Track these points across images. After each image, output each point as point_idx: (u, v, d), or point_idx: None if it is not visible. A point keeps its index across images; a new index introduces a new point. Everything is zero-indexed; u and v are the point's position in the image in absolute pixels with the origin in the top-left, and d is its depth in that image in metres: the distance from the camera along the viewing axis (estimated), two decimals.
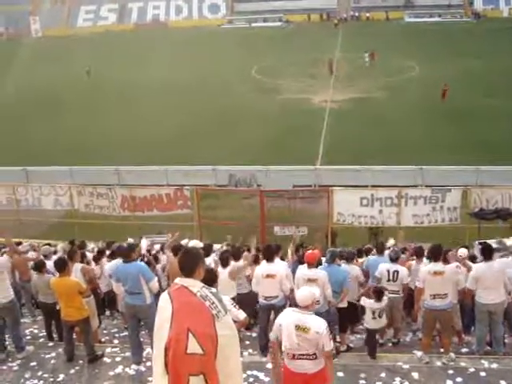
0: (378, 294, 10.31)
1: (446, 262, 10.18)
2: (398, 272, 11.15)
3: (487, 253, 10.20)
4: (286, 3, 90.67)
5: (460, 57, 54.07)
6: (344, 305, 10.76)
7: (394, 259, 11.31)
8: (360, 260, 13.23)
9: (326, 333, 6.89)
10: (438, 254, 9.93)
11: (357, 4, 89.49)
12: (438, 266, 9.82)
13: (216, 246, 15.53)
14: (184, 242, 14.96)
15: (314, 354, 6.95)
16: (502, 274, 10.06)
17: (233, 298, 10.57)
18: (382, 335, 11.53)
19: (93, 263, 13.39)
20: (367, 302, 10.38)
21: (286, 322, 7.05)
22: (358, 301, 11.47)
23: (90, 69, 57.25)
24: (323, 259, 10.97)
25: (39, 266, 11.45)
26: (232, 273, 11.23)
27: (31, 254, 14.40)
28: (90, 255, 14.10)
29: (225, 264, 11.43)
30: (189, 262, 4.94)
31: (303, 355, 6.97)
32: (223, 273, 11.14)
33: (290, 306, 10.08)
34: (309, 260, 9.97)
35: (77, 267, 11.01)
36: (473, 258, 12.25)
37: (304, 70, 53.27)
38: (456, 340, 11.00)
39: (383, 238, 19.34)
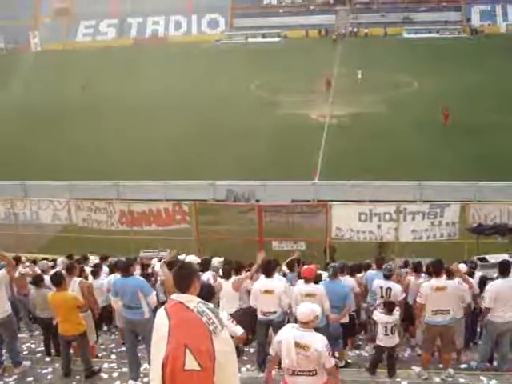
0: (388, 306, 10.11)
1: (451, 277, 10.14)
2: (390, 289, 11.03)
3: (504, 269, 10.05)
4: (285, 19, 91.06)
5: (458, 73, 54.26)
6: (345, 320, 10.73)
7: (387, 276, 11.22)
8: (359, 275, 13.20)
9: (325, 350, 6.86)
10: (439, 270, 9.87)
11: (355, 20, 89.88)
12: (440, 281, 9.75)
13: (213, 261, 15.50)
14: (181, 257, 14.94)
15: (314, 370, 6.92)
16: None
17: (237, 311, 10.61)
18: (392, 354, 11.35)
19: (90, 277, 13.36)
20: (379, 316, 10.13)
21: (285, 338, 7.02)
22: (355, 311, 11.45)
23: (86, 84, 57.25)
24: (324, 275, 10.98)
25: (37, 281, 11.42)
26: (235, 284, 11.25)
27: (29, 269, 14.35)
28: (88, 269, 14.07)
29: (227, 276, 11.44)
30: (183, 278, 4.92)
31: (303, 371, 6.94)
32: (227, 285, 11.17)
33: (289, 321, 10.05)
34: (306, 275, 9.95)
35: (75, 281, 10.98)
36: (471, 274, 12.22)
37: (303, 86, 53.40)
38: (455, 356, 10.94)
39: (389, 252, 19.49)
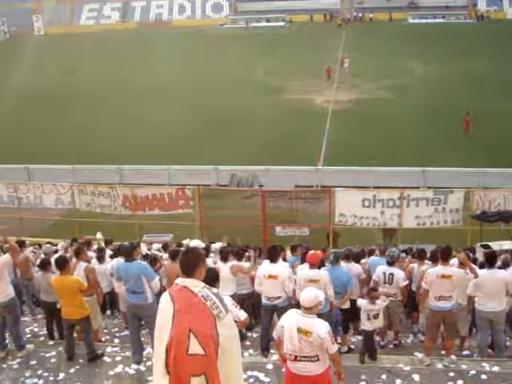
0: (371, 296, 10.23)
1: (463, 265, 10.14)
2: (393, 275, 11.06)
3: (490, 260, 10.04)
4: (289, 3, 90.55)
5: (464, 58, 53.99)
6: (347, 306, 10.74)
7: (390, 263, 11.23)
8: (363, 261, 13.20)
9: (328, 337, 6.86)
10: (447, 256, 9.82)
11: (360, 5, 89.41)
12: (447, 269, 9.72)
13: (216, 246, 15.52)
14: (185, 241, 14.95)
15: (317, 355, 6.91)
16: (503, 283, 9.82)
17: (232, 295, 10.61)
18: (383, 337, 11.50)
19: (93, 260, 13.36)
20: (362, 303, 10.27)
21: (288, 324, 7.01)
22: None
23: (74, 69, 56.96)
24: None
25: (44, 264, 11.39)
26: (233, 268, 11.26)
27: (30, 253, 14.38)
28: (92, 254, 14.06)
29: (225, 259, 11.47)
30: (189, 262, 4.90)
31: (305, 357, 6.94)
32: (224, 268, 11.18)
33: (292, 307, 10.05)
34: (311, 260, 9.94)
35: (81, 266, 10.95)
36: (474, 261, 12.19)
37: (307, 71, 53.21)
38: (458, 343, 10.95)
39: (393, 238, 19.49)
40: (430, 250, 11.73)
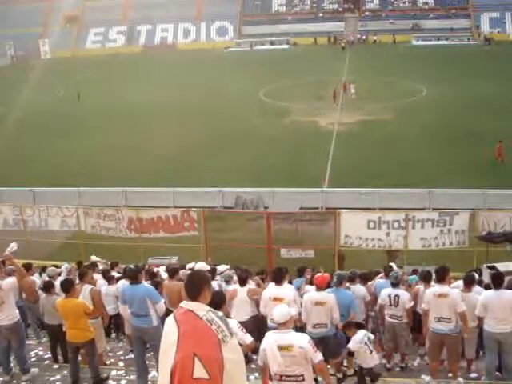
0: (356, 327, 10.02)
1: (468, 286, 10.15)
2: (398, 296, 11.01)
3: (497, 281, 9.96)
4: (293, 26, 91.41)
5: (468, 79, 54.12)
6: None
7: (394, 284, 11.19)
8: (369, 283, 13.15)
9: (310, 346, 6.87)
10: (443, 276, 9.84)
11: (364, 27, 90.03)
12: (443, 288, 9.74)
13: (220, 268, 15.47)
14: (190, 264, 14.91)
15: (302, 375, 6.90)
16: (510, 304, 9.65)
17: (250, 318, 10.59)
18: (390, 360, 11.42)
19: (99, 282, 13.32)
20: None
21: (268, 345, 7.01)
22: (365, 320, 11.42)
23: (79, 92, 57.41)
24: None
25: (48, 287, 11.38)
26: (250, 292, 11.23)
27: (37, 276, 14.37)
28: (97, 276, 14.04)
29: (243, 283, 11.43)
30: (194, 286, 4.89)
31: (290, 377, 6.92)
32: (242, 292, 11.15)
33: (297, 330, 10.00)
34: (318, 283, 9.92)
35: (85, 288, 10.93)
36: (481, 283, 12.14)
37: (311, 93, 53.39)
38: (465, 365, 10.85)
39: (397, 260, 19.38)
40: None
